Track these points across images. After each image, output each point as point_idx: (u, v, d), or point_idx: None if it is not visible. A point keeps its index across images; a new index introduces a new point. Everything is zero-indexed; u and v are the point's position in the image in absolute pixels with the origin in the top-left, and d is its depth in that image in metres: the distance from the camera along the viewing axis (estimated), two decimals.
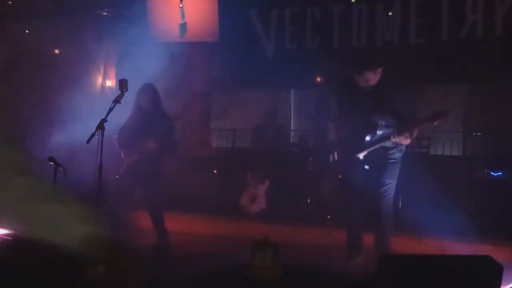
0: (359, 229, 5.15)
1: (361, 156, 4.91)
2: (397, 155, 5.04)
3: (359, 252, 5.10)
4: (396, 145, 4.99)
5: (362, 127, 4.95)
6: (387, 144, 4.94)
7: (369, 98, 4.92)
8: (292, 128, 11.81)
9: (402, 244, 5.97)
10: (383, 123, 4.93)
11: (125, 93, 5.14)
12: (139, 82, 6.14)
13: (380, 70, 4.94)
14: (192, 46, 9.15)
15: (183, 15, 8.79)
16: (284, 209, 7.73)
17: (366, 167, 4.94)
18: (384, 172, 4.97)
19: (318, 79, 8.31)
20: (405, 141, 4.86)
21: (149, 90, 6.04)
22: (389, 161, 4.99)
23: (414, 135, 4.92)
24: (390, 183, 4.99)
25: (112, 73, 10.43)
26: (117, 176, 5.99)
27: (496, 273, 3.09)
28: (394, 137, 4.81)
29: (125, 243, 1.66)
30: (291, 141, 10.71)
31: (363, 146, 4.92)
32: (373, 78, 4.92)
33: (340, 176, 5.09)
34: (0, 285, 3.47)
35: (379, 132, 4.92)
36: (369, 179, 4.99)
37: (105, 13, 9.90)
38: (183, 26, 8.74)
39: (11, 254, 3.91)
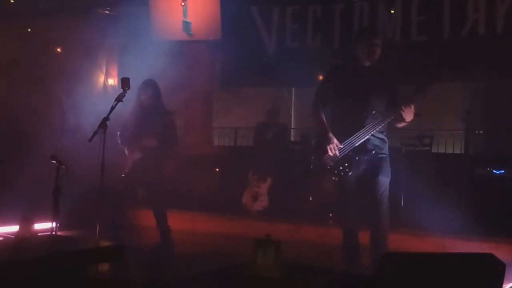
0: (355, 232, 5.09)
1: (357, 142, 4.82)
2: (385, 149, 4.99)
3: (356, 255, 5.06)
4: (382, 138, 4.92)
5: (357, 111, 4.87)
6: (376, 135, 4.86)
7: (366, 81, 4.86)
8: (292, 126, 11.82)
9: (404, 242, 5.98)
10: (380, 108, 4.86)
11: (128, 91, 5.13)
12: (141, 80, 6.15)
13: (380, 41, 4.90)
14: (194, 44, 9.15)
15: (185, 13, 8.79)
16: (286, 208, 7.73)
17: (366, 154, 4.84)
18: (378, 169, 4.90)
19: (320, 77, 8.31)
20: (410, 114, 4.73)
21: (150, 86, 6.06)
22: (379, 156, 4.92)
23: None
24: (385, 181, 4.93)
25: (114, 71, 10.43)
26: (122, 175, 6.00)
27: (498, 271, 3.10)
28: (402, 110, 4.67)
29: None
30: (292, 139, 10.72)
31: (357, 130, 4.82)
32: (375, 49, 4.86)
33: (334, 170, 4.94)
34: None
35: (372, 115, 4.83)
36: (363, 177, 4.94)
37: (107, 12, 9.90)
38: (186, 24, 8.75)
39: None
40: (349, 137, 4.85)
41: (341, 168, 4.89)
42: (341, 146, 4.87)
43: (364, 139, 4.83)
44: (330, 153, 4.89)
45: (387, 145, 5.01)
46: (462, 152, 9.21)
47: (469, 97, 9.59)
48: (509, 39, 7.17)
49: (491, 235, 6.15)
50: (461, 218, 6.76)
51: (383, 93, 4.91)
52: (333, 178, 4.97)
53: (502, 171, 7.03)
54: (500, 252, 5.44)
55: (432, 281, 3.06)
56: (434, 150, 8.45)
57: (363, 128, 4.82)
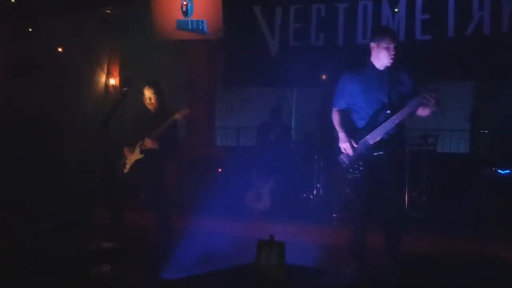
0: (365, 232, 5.03)
1: (371, 141, 4.80)
2: (401, 148, 4.95)
3: (363, 256, 4.99)
4: (397, 137, 4.88)
5: (372, 110, 4.85)
6: (391, 134, 4.82)
7: (381, 81, 4.85)
8: (293, 126, 11.79)
9: (411, 243, 5.91)
10: (394, 107, 4.82)
11: (129, 91, 5.11)
12: (142, 80, 6.13)
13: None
14: (196, 43, 9.11)
15: (187, 13, 8.76)
16: (289, 208, 7.68)
17: (380, 152, 4.81)
18: (394, 168, 4.87)
19: (323, 76, 8.27)
20: (431, 106, 4.70)
21: (153, 87, 6.04)
22: (394, 154, 4.88)
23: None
24: (401, 180, 4.91)
25: (115, 71, 10.40)
26: (122, 175, 5.98)
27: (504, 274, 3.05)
28: (424, 100, 4.66)
29: None
30: (292, 139, 10.68)
31: (372, 129, 4.81)
32: (391, 48, 4.86)
33: (350, 168, 4.91)
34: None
35: (387, 114, 4.81)
36: (378, 176, 4.89)
37: (108, 11, 9.88)
38: (188, 24, 8.73)
39: None
40: (364, 136, 4.85)
41: (355, 166, 4.89)
42: (356, 146, 4.87)
43: (378, 138, 4.82)
44: (344, 152, 4.90)
45: (404, 143, 5.00)
46: (468, 151, 9.18)
47: (474, 97, 9.55)
48: None
49: (496, 235, 6.09)
50: (466, 218, 6.72)
51: (397, 92, 4.89)
52: (348, 176, 4.97)
53: (508, 171, 6.98)
54: (507, 252, 5.42)
55: (440, 283, 3.02)
56: (439, 149, 8.40)
57: (376, 127, 4.82)
